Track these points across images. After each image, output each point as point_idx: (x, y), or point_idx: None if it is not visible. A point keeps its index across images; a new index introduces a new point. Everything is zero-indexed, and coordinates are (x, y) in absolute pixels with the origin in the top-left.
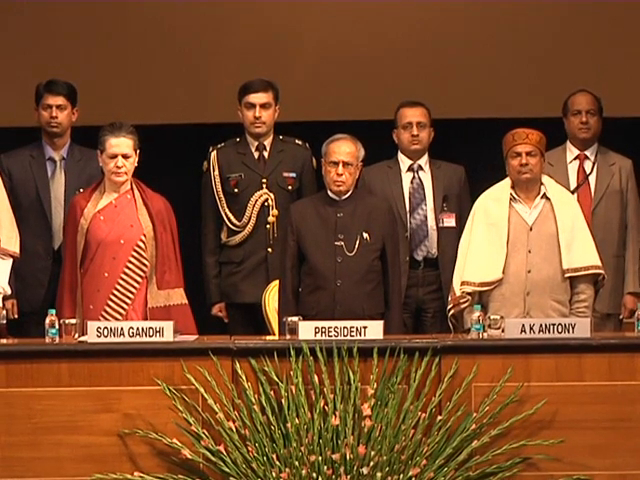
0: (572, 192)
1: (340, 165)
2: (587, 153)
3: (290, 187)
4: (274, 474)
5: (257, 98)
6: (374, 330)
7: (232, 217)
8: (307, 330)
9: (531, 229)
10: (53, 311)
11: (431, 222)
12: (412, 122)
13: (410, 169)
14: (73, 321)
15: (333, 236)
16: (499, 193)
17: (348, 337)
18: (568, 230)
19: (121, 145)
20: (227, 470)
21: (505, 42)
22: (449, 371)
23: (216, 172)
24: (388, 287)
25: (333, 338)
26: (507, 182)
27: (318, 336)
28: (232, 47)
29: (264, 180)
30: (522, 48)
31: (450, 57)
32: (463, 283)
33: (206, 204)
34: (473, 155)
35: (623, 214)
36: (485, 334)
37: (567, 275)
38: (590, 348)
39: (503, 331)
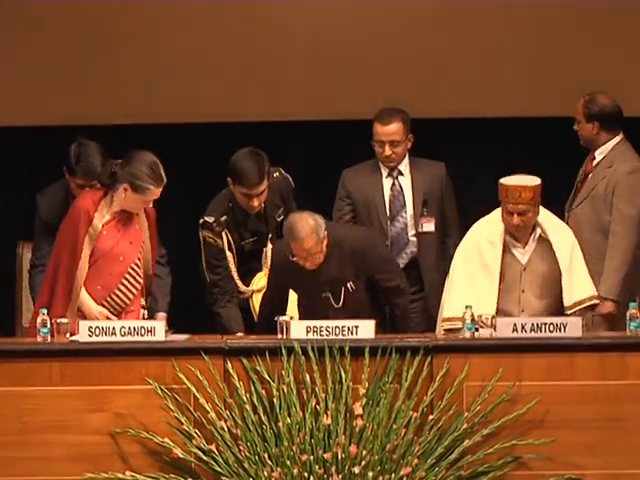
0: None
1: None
2: (596, 153)
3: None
4: (266, 473)
5: (254, 189)
6: (366, 329)
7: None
8: (299, 329)
9: (525, 269)
10: (45, 310)
11: (411, 230)
12: (384, 141)
13: (390, 175)
14: (65, 320)
15: (319, 290)
16: (493, 236)
17: (340, 336)
18: (567, 269)
19: (157, 194)
20: (219, 469)
21: (492, 43)
22: (441, 370)
23: (229, 238)
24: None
25: (325, 337)
26: (501, 225)
27: (310, 335)
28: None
29: (270, 235)
30: (510, 49)
31: (438, 58)
32: (452, 319)
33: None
34: (459, 154)
35: (603, 218)
36: (477, 333)
37: (569, 312)
38: (581, 347)
39: (495, 330)
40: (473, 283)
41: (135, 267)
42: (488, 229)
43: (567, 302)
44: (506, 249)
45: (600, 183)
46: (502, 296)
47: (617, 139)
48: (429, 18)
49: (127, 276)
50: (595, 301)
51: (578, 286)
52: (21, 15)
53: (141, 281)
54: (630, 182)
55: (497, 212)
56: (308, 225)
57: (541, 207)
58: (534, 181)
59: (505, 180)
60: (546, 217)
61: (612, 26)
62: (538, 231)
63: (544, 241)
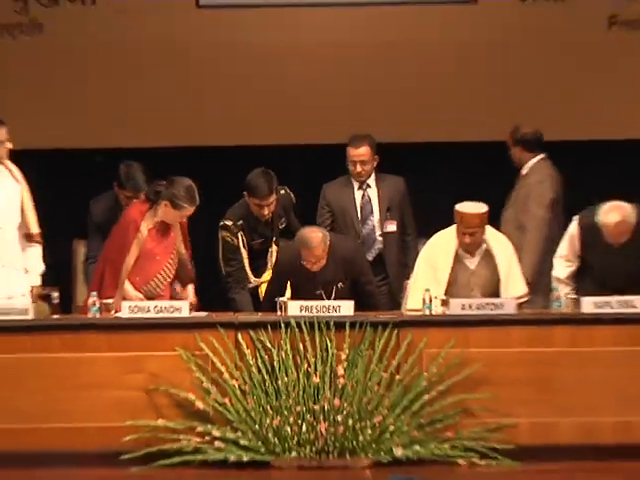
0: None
1: None
2: (522, 170)
3: (281, 225)
4: (268, 421)
5: (265, 200)
6: (346, 308)
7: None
8: (294, 308)
9: (473, 274)
10: (95, 293)
11: (378, 231)
12: (355, 161)
13: (360, 187)
14: (110, 301)
15: (315, 288)
16: (448, 248)
17: (326, 314)
18: (505, 273)
19: (191, 211)
20: (231, 418)
21: (456, 75)
22: (405, 340)
23: (243, 239)
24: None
25: (314, 314)
26: (455, 241)
27: (303, 313)
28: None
29: (274, 238)
30: (466, 84)
31: (407, 91)
32: (414, 310)
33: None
34: (418, 170)
35: (521, 218)
36: (433, 311)
37: None
38: (515, 322)
39: (448, 309)
40: (429, 284)
41: (168, 266)
42: (445, 242)
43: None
44: (459, 259)
45: (521, 191)
46: (456, 294)
47: (538, 158)
48: (402, 62)
49: (161, 272)
50: (525, 298)
51: (513, 287)
52: (95, 55)
53: (171, 275)
54: (539, 189)
55: (452, 229)
56: (318, 237)
57: (487, 226)
58: (482, 209)
59: (460, 207)
60: (490, 233)
61: (549, 66)
62: (484, 246)
63: (489, 252)
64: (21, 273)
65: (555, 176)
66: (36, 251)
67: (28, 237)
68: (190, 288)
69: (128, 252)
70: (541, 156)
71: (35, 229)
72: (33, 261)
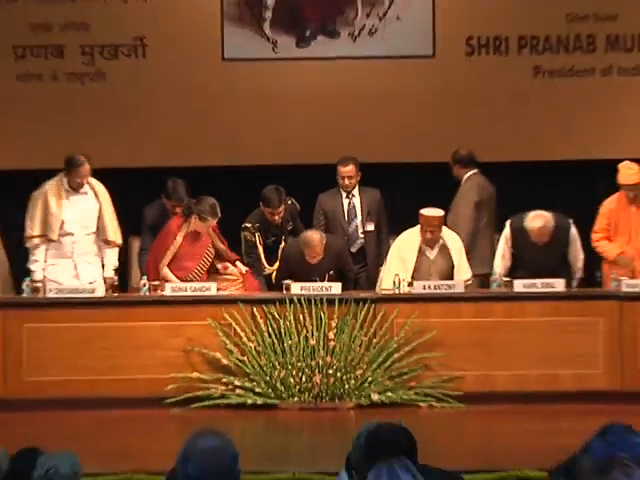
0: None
1: None
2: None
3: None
4: (276, 374)
5: (276, 210)
6: (336, 288)
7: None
8: (296, 288)
9: (433, 263)
10: (145, 277)
11: (360, 229)
12: (344, 176)
13: (347, 196)
14: (156, 283)
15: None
16: (414, 242)
17: (320, 292)
18: (457, 262)
19: (214, 223)
20: (248, 371)
21: (418, 112)
22: (380, 312)
23: (259, 238)
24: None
25: (311, 293)
26: (419, 237)
27: (302, 292)
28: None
29: (283, 237)
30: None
31: (381, 125)
32: (386, 289)
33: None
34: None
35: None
36: (402, 291)
37: None
38: (463, 299)
39: (412, 289)
40: (399, 270)
41: (201, 263)
42: (411, 238)
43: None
44: (422, 251)
45: (455, 196)
46: (419, 278)
47: (470, 172)
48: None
49: (197, 267)
50: (470, 281)
51: (462, 272)
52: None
53: (205, 268)
54: (466, 194)
55: (417, 228)
56: (317, 239)
57: (443, 226)
58: (440, 213)
59: (423, 211)
60: (445, 231)
61: (489, 105)
62: (441, 241)
63: (444, 246)
64: (92, 266)
65: (482, 184)
66: (113, 251)
67: (106, 242)
68: (238, 264)
69: (165, 254)
70: (474, 171)
71: (111, 237)
72: (109, 259)
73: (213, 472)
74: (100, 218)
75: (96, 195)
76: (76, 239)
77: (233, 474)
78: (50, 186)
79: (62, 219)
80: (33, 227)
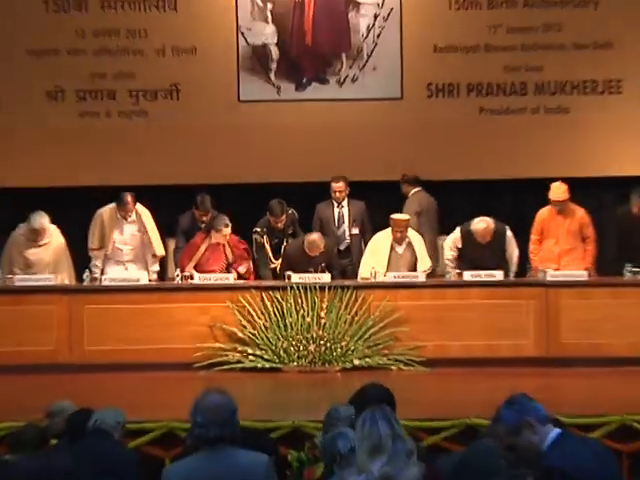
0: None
1: None
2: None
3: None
4: (280, 344)
5: (279, 219)
6: (326, 278)
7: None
8: (295, 278)
9: (401, 256)
10: (179, 270)
11: (347, 232)
12: (335, 191)
13: (338, 206)
14: (187, 273)
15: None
16: (387, 240)
17: (314, 281)
18: (420, 256)
19: (228, 234)
20: (258, 342)
21: (387, 142)
22: (360, 296)
23: (266, 239)
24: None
25: (307, 281)
26: (391, 236)
27: (300, 280)
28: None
29: (285, 239)
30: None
31: (362, 151)
32: (364, 278)
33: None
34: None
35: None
36: (377, 280)
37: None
38: (425, 286)
39: (385, 278)
40: (374, 263)
41: (219, 266)
42: (384, 237)
43: (420, 269)
44: (392, 247)
45: (403, 207)
46: (391, 269)
47: (415, 189)
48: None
49: (214, 268)
50: (429, 270)
51: (423, 264)
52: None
53: (221, 269)
54: (409, 206)
55: (389, 229)
56: (319, 239)
57: (409, 228)
58: (406, 217)
59: (393, 216)
60: (410, 232)
61: (442, 137)
62: (407, 239)
63: (410, 244)
64: (138, 269)
65: (423, 198)
66: (156, 259)
67: (153, 256)
68: (239, 269)
69: (190, 260)
70: (418, 188)
71: (157, 252)
72: (152, 265)
73: (216, 421)
74: (146, 237)
75: (141, 220)
76: (124, 253)
77: (232, 423)
78: (105, 212)
79: (114, 240)
80: (93, 242)
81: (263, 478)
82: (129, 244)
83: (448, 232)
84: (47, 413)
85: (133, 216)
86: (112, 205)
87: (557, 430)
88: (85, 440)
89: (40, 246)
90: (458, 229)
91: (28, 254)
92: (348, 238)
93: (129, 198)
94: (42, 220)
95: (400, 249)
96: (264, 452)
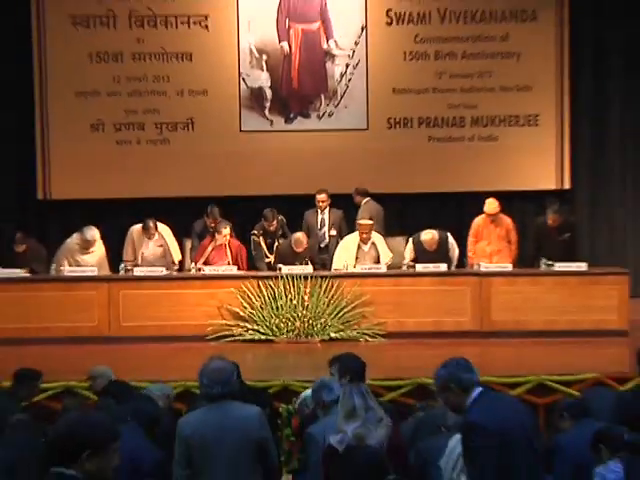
0: None
1: None
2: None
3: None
4: (272, 321)
5: (271, 223)
6: (308, 269)
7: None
8: (285, 269)
9: (367, 253)
10: (193, 263)
11: (327, 234)
12: (319, 201)
13: (321, 213)
14: (200, 266)
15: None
16: (354, 240)
17: (299, 272)
18: (382, 253)
19: (228, 236)
20: (256, 319)
21: (352, 165)
22: (335, 283)
23: (262, 239)
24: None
25: (294, 272)
26: (358, 237)
27: (289, 271)
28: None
29: (276, 239)
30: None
31: (339, 171)
32: (337, 269)
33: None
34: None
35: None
36: (348, 270)
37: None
38: (385, 275)
39: (355, 269)
40: (346, 258)
41: (223, 261)
42: (353, 238)
43: (383, 262)
44: (359, 246)
45: (357, 215)
46: (358, 263)
47: (365, 199)
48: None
49: (219, 264)
50: (390, 262)
51: (385, 257)
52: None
53: (224, 264)
54: (363, 212)
55: (356, 232)
56: (302, 236)
57: (372, 230)
58: (370, 222)
59: (359, 221)
60: (374, 234)
61: (392, 161)
62: (372, 239)
63: (374, 243)
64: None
65: (373, 206)
66: (175, 265)
67: (172, 262)
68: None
69: (201, 257)
70: (367, 199)
71: (175, 259)
72: (173, 268)
73: (218, 382)
74: (167, 249)
75: (162, 236)
76: (151, 262)
77: (231, 383)
78: (135, 231)
79: (142, 252)
80: (127, 255)
81: (257, 425)
82: (153, 255)
83: (403, 233)
84: (89, 376)
85: (156, 236)
86: (139, 226)
87: (479, 389)
88: (131, 402)
89: (88, 253)
90: (410, 240)
91: (78, 258)
92: (327, 238)
93: (151, 224)
94: (93, 233)
95: (366, 247)
96: (261, 406)
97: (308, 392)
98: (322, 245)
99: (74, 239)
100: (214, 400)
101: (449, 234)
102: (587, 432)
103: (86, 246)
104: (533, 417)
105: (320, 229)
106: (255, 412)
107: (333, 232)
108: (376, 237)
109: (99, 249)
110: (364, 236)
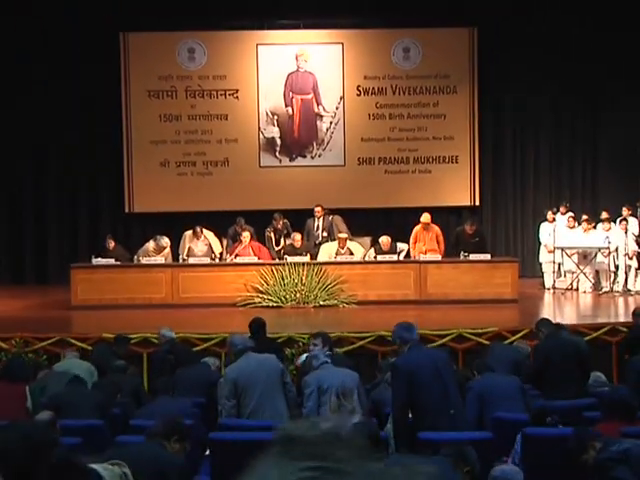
0: None
1: None
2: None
3: (284, 231)
4: (282, 292)
5: (276, 224)
6: (306, 259)
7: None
8: (289, 259)
9: (344, 254)
10: (228, 255)
11: (321, 235)
12: (316, 211)
13: (317, 220)
14: (232, 257)
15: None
16: (333, 247)
17: (300, 260)
18: (356, 253)
19: (248, 238)
20: (270, 292)
21: (337, 189)
22: (323, 268)
23: (273, 235)
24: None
25: (296, 260)
26: (336, 246)
27: (292, 260)
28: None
29: (283, 236)
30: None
31: (326, 192)
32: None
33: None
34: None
35: None
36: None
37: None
38: (357, 263)
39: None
40: (330, 252)
41: (244, 258)
42: (333, 245)
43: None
44: (339, 252)
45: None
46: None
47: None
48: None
49: (245, 259)
50: (367, 257)
51: (357, 253)
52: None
53: (249, 258)
54: (336, 219)
55: (335, 242)
56: (300, 237)
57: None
58: (345, 235)
59: (340, 235)
60: (350, 242)
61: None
62: (347, 246)
63: (349, 248)
64: (206, 259)
65: (336, 218)
66: (216, 257)
67: (214, 255)
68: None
69: (232, 253)
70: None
71: (216, 253)
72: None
73: (243, 342)
74: (210, 246)
75: (206, 238)
76: (200, 257)
77: (249, 343)
78: (188, 235)
79: (193, 249)
80: (183, 252)
81: (277, 367)
82: (201, 250)
83: (368, 235)
84: (159, 334)
85: (202, 237)
86: (190, 231)
87: (413, 344)
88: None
89: (159, 255)
90: (372, 248)
91: (152, 258)
92: (321, 238)
93: (198, 229)
94: (165, 241)
95: (342, 251)
96: (275, 352)
97: (304, 357)
98: (317, 242)
99: (150, 244)
100: (242, 354)
101: (398, 243)
102: (487, 378)
103: (158, 250)
104: (447, 359)
105: (316, 231)
106: (272, 356)
107: (325, 234)
108: (353, 247)
109: (166, 253)
110: (342, 245)
